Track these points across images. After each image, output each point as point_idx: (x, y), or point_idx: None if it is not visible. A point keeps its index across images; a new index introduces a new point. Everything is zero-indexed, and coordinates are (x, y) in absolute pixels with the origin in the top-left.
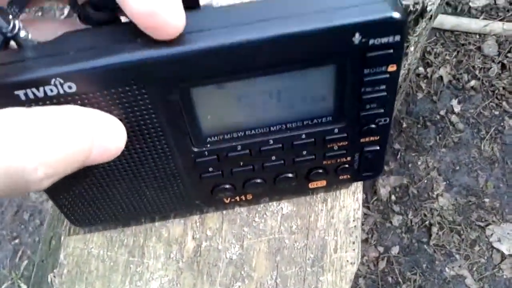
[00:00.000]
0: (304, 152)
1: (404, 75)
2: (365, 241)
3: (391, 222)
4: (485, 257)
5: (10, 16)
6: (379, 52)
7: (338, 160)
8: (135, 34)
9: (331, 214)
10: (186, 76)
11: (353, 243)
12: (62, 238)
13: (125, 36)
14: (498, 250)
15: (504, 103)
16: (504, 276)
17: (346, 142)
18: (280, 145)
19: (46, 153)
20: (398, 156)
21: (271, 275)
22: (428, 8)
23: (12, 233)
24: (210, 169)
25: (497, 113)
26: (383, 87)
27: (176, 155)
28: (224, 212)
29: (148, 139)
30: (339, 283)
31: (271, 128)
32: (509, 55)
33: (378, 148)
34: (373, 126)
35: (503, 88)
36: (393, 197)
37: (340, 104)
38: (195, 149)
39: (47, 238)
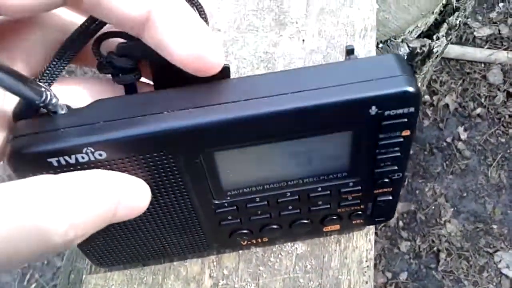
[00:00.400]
0: (320, 202)
1: None
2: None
3: (399, 248)
4: (494, 283)
5: (42, 88)
6: (394, 121)
7: (352, 208)
8: (161, 105)
9: (344, 254)
10: (211, 144)
11: (366, 282)
12: (83, 276)
13: (152, 106)
14: (507, 277)
15: (510, 130)
16: None
17: (360, 193)
18: (297, 197)
19: (75, 216)
20: (406, 182)
21: None
22: (435, 50)
23: None
24: (229, 217)
25: (503, 140)
26: (397, 149)
27: (197, 206)
28: (240, 251)
29: (171, 195)
30: None
31: (289, 183)
32: None
33: (390, 198)
34: (386, 180)
35: (509, 116)
36: (400, 223)
37: (355, 162)
38: (216, 201)
39: (67, 272)
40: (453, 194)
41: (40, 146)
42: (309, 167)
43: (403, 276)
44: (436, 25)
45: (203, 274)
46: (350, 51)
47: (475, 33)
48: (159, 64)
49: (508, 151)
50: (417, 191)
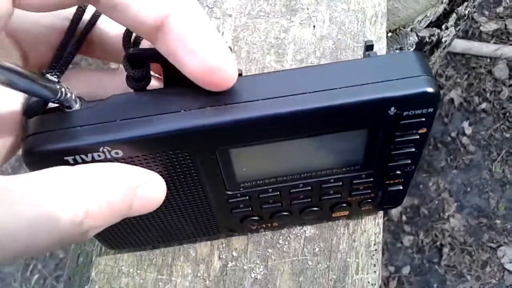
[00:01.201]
0: (331, 192)
1: None
2: None
3: (402, 242)
4: (497, 278)
5: (57, 86)
6: (412, 120)
7: (362, 197)
8: (178, 102)
9: (352, 237)
10: (229, 142)
11: (374, 265)
12: (93, 257)
13: (168, 104)
14: (509, 272)
15: None
16: None
17: (372, 184)
18: (309, 188)
19: (91, 205)
20: None
21: None
22: (443, 39)
23: None
24: (241, 206)
25: (508, 135)
26: (412, 145)
27: (210, 196)
28: (249, 234)
29: (185, 187)
30: None
31: (302, 175)
32: None
33: (401, 187)
34: (398, 172)
35: None
36: (404, 218)
37: (369, 156)
38: (229, 192)
39: (75, 256)
40: (457, 188)
41: (57, 144)
42: (323, 160)
43: (406, 270)
44: (445, 15)
45: (213, 256)
46: (369, 47)
47: (481, 27)
48: (171, 66)
49: None
50: (421, 186)
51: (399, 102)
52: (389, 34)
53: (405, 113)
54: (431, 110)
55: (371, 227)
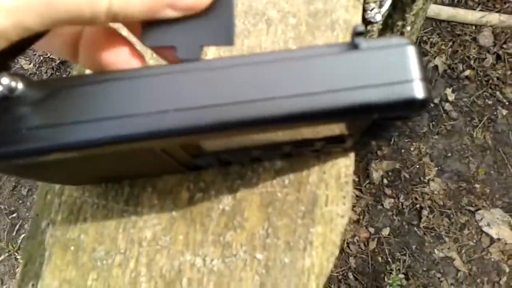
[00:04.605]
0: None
1: None
2: (356, 222)
3: (382, 205)
4: (474, 240)
5: None
6: (393, 118)
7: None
8: (145, 101)
9: (322, 169)
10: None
11: (344, 197)
12: (56, 188)
13: (135, 102)
14: (487, 234)
15: (497, 92)
16: (492, 259)
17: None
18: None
19: None
20: (392, 142)
21: (263, 225)
22: None
23: (10, 207)
24: (208, 162)
25: (490, 102)
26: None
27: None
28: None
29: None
30: (329, 235)
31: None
32: (504, 46)
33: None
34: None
35: (497, 78)
36: (385, 181)
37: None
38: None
39: (43, 193)
40: (438, 153)
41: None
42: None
43: (386, 232)
44: None
45: (180, 187)
46: (358, 34)
47: None
48: None
49: (495, 113)
50: (402, 150)
51: (385, 110)
52: None
53: (388, 115)
54: (420, 114)
55: (342, 159)
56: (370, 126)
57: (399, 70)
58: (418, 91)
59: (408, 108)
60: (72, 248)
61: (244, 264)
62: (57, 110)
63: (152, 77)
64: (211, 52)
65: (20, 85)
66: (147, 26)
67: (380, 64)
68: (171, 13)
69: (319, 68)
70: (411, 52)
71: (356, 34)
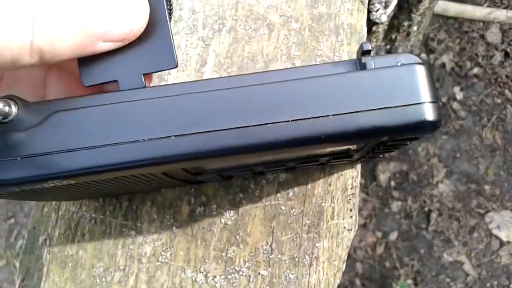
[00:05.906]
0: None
1: None
2: (363, 226)
3: (390, 208)
4: (484, 244)
5: None
6: (403, 139)
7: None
8: (142, 127)
9: (328, 181)
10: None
11: (351, 210)
12: (54, 202)
13: (130, 129)
14: (496, 237)
15: (506, 91)
16: (502, 263)
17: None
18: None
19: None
20: None
21: (267, 240)
22: None
23: (8, 212)
24: (209, 177)
25: (499, 101)
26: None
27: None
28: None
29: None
30: (335, 249)
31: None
32: None
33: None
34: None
35: (506, 76)
36: (392, 183)
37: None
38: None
39: (40, 205)
40: (447, 154)
41: None
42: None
43: (393, 236)
44: None
45: (181, 201)
46: (365, 52)
47: None
48: None
49: (504, 112)
50: (410, 151)
51: (395, 132)
52: None
53: (398, 137)
54: (430, 134)
55: (348, 170)
56: (379, 143)
57: (409, 92)
58: (429, 113)
59: (418, 130)
60: (70, 264)
61: (248, 281)
62: (52, 137)
63: (151, 100)
64: (210, 69)
65: (14, 109)
66: (84, 65)
67: (389, 86)
68: (103, 46)
69: (326, 90)
70: (421, 71)
71: (363, 52)
